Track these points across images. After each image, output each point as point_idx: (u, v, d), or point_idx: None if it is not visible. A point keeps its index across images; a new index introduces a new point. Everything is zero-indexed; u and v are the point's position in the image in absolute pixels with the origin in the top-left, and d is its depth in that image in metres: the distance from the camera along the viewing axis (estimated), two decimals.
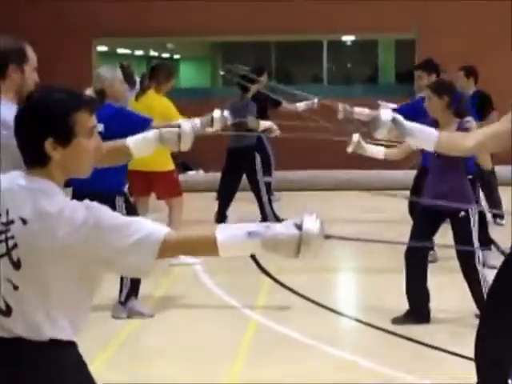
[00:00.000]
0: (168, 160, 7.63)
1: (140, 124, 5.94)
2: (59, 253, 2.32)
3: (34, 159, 2.39)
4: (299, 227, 2.34)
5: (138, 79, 9.39)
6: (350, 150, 5.82)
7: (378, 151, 5.91)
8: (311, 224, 2.34)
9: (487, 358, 3.80)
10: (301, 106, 9.50)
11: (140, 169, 7.22)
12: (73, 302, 2.40)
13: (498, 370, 3.79)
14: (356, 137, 5.85)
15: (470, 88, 8.71)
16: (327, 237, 2.38)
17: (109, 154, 3.84)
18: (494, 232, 7.88)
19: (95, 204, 2.36)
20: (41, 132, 2.36)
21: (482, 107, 7.82)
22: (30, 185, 2.38)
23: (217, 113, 5.67)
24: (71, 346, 2.44)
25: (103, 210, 2.35)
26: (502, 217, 9.21)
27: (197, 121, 5.76)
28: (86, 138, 2.41)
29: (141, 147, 4.12)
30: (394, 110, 6.53)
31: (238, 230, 2.38)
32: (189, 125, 4.37)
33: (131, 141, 4.04)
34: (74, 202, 2.37)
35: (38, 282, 2.35)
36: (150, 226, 2.37)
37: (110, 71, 6.04)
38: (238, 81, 9.63)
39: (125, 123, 5.81)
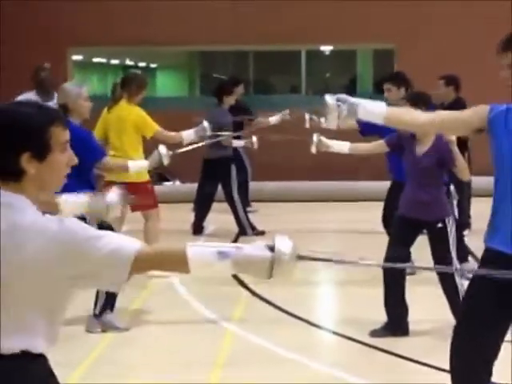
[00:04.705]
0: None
1: (95, 154, 5.81)
2: (28, 269, 2.28)
3: (8, 173, 2.36)
4: (271, 249, 2.31)
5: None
6: (313, 150, 5.90)
7: (343, 146, 6.03)
8: (284, 246, 2.31)
9: (460, 372, 3.79)
10: (273, 119, 9.48)
11: (114, 179, 7.11)
12: (37, 318, 2.35)
13: (472, 380, 3.77)
14: (316, 136, 5.92)
15: (450, 96, 8.77)
16: (300, 258, 2.33)
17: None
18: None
19: (67, 217, 2.34)
20: (17, 147, 2.34)
21: None
22: (2, 199, 2.34)
23: (162, 148, 6.13)
24: (39, 358, 2.40)
25: (75, 223, 2.33)
26: (468, 227, 9.24)
27: (144, 163, 6.23)
28: (60, 152, 2.40)
29: (70, 208, 4.23)
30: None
31: (209, 249, 2.35)
32: (115, 196, 4.61)
33: (62, 199, 4.15)
34: (47, 216, 2.33)
35: (1, 298, 2.30)
36: (123, 238, 2.35)
37: (76, 87, 5.94)
38: (214, 90, 9.69)
39: (80, 147, 5.55)
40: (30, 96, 8.17)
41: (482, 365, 3.72)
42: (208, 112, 9.29)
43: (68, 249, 2.28)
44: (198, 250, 2.34)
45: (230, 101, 9.59)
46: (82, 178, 5.77)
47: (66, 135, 2.42)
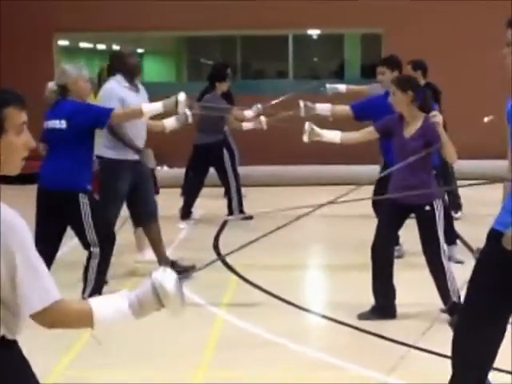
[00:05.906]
0: None
1: (103, 114, 5.91)
2: None
3: None
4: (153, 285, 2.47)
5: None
6: (305, 139, 5.91)
7: (334, 135, 6.03)
8: (158, 274, 2.47)
9: (464, 354, 3.74)
10: (249, 113, 9.17)
11: None
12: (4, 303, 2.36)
13: (475, 368, 3.73)
14: (308, 125, 5.91)
15: (419, 81, 8.71)
16: (183, 276, 2.52)
17: None
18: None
19: (19, 228, 2.33)
20: None
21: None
22: None
23: (182, 95, 5.92)
24: (9, 344, 2.42)
25: (26, 241, 2.34)
26: (459, 209, 9.29)
27: (159, 105, 6.01)
28: (16, 134, 2.41)
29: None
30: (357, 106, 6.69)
31: (117, 300, 2.48)
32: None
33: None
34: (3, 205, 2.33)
35: None
36: (49, 283, 2.37)
37: (76, 68, 5.97)
38: (208, 77, 9.59)
39: (88, 115, 5.86)
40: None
41: (487, 354, 3.66)
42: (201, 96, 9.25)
43: (7, 250, 2.30)
44: (106, 305, 2.45)
45: (222, 87, 9.50)
46: (82, 157, 5.83)
47: (22, 117, 2.43)
